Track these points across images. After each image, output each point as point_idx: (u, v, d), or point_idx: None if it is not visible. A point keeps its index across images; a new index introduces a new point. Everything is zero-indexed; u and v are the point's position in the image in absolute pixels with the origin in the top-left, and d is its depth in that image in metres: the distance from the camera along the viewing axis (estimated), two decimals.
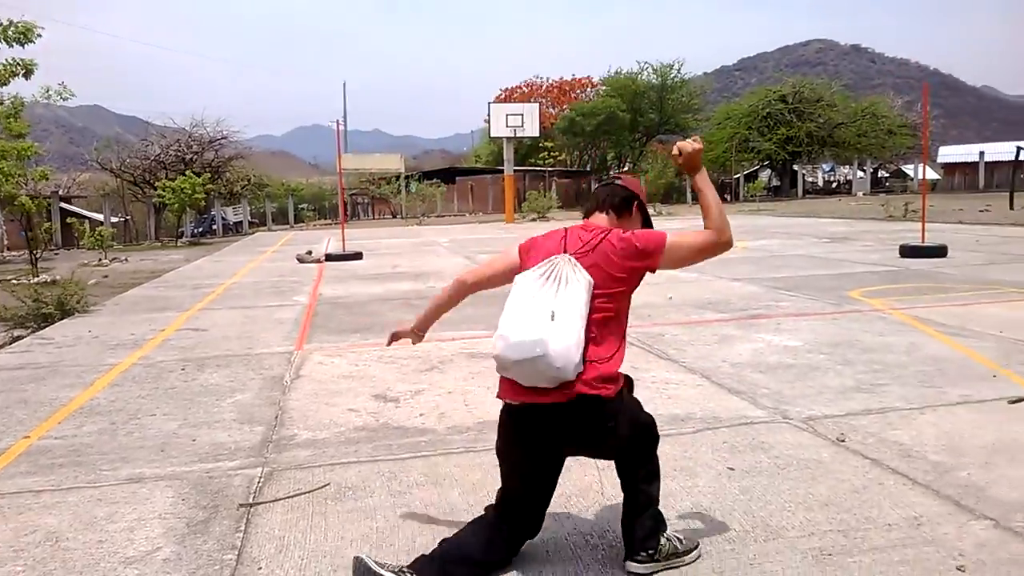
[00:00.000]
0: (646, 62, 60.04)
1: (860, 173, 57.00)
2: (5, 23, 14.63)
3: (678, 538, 2.98)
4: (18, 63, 14.84)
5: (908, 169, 59.00)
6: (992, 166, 51.63)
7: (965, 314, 7.88)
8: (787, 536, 3.17)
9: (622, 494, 3.03)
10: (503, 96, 62.63)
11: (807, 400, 5.10)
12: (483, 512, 3.05)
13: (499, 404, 3.00)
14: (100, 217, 33.61)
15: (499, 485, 3.06)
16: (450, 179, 51.66)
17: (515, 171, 38.59)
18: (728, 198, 53.69)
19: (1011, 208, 26.82)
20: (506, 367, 2.82)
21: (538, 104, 42.46)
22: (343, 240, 19.09)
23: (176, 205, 31.15)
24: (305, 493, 3.80)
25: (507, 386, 2.89)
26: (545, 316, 2.77)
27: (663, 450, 4.17)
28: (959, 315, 7.83)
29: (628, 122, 56.51)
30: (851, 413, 4.80)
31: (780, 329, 7.51)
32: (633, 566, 2.89)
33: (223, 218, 38.66)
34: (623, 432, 2.92)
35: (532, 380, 2.77)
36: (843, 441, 4.28)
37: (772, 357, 6.36)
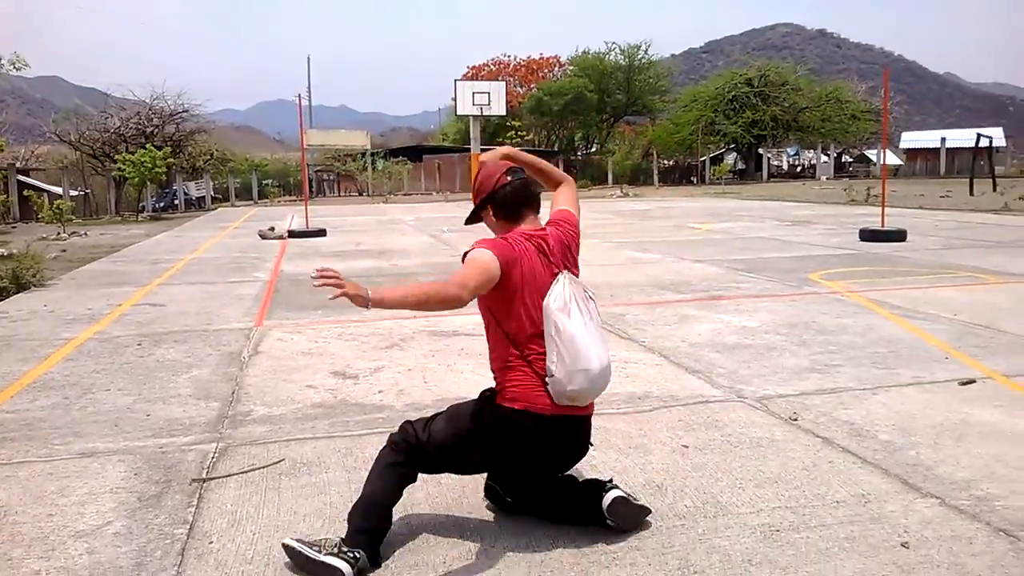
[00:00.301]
0: (614, 43, 60.17)
1: (824, 157, 57.57)
2: None
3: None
4: None
5: (871, 154, 59.74)
6: (953, 152, 52.44)
7: (921, 297, 8.02)
8: (737, 512, 3.22)
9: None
10: (471, 74, 62.37)
11: (762, 380, 5.17)
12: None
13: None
14: (59, 190, 32.97)
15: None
16: (417, 157, 51.38)
17: (482, 150, 38.45)
18: (694, 180, 53.99)
19: (971, 194, 27.27)
20: (586, 396, 2.94)
21: (504, 82, 42.33)
22: (307, 217, 18.92)
23: (136, 179, 30.63)
24: (259, 468, 3.78)
25: (545, 398, 2.90)
26: (605, 341, 3.04)
27: (619, 427, 4.23)
28: (915, 298, 7.96)
29: (595, 103, 56.50)
30: (805, 393, 4.87)
31: (739, 310, 7.58)
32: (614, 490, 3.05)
33: (185, 193, 38.12)
34: None
35: (592, 399, 3.01)
36: (795, 420, 4.35)
37: (730, 337, 6.43)
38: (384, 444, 3.10)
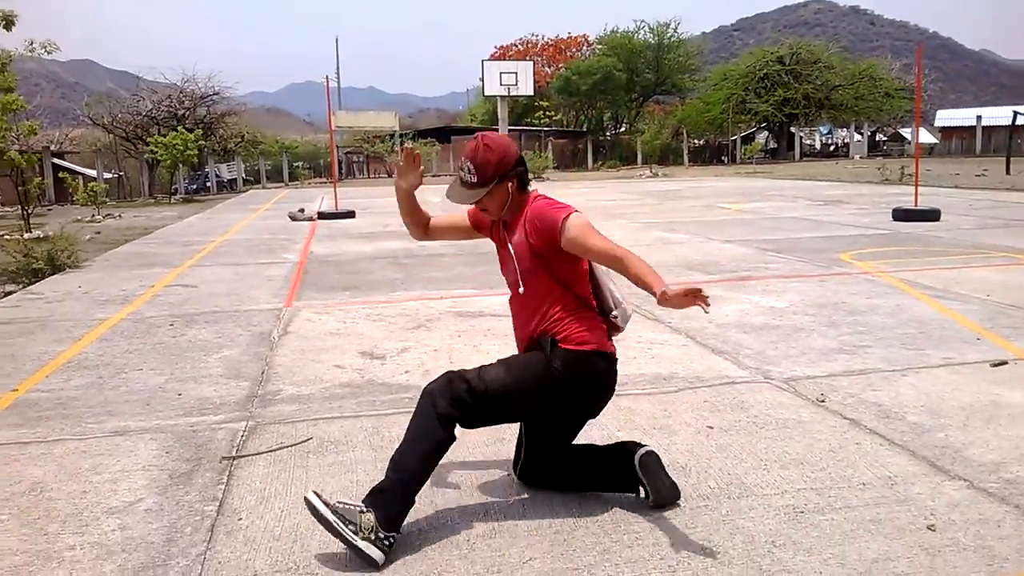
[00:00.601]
0: (643, 21, 59.65)
1: (857, 136, 56.84)
2: None
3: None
4: None
5: (906, 133, 58.84)
6: (989, 130, 51.50)
7: (953, 277, 7.91)
8: (761, 493, 3.21)
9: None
10: (498, 54, 62.16)
11: (789, 361, 5.14)
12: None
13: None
14: (93, 173, 33.41)
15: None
16: (445, 138, 51.35)
17: (510, 130, 38.43)
18: (725, 160, 53.53)
19: (1007, 173, 26.80)
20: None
21: (532, 62, 42.18)
22: (336, 198, 19.02)
23: (168, 161, 30.96)
24: (288, 447, 3.84)
25: (606, 337, 3.15)
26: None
27: (644, 408, 4.24)
28: (947, 278, 7.86)
29: (624, 82, 56.17)
30: (832, 374, 4.83)
31: (767, 291, 7.53)
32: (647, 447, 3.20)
33: (217, 175, 38.47)
34: None
35: None
36: (823, 401, 4.32)
37: (758, 318, 6.39)
38: (425, 401, 2.91)
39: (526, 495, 3.24)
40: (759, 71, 54.37)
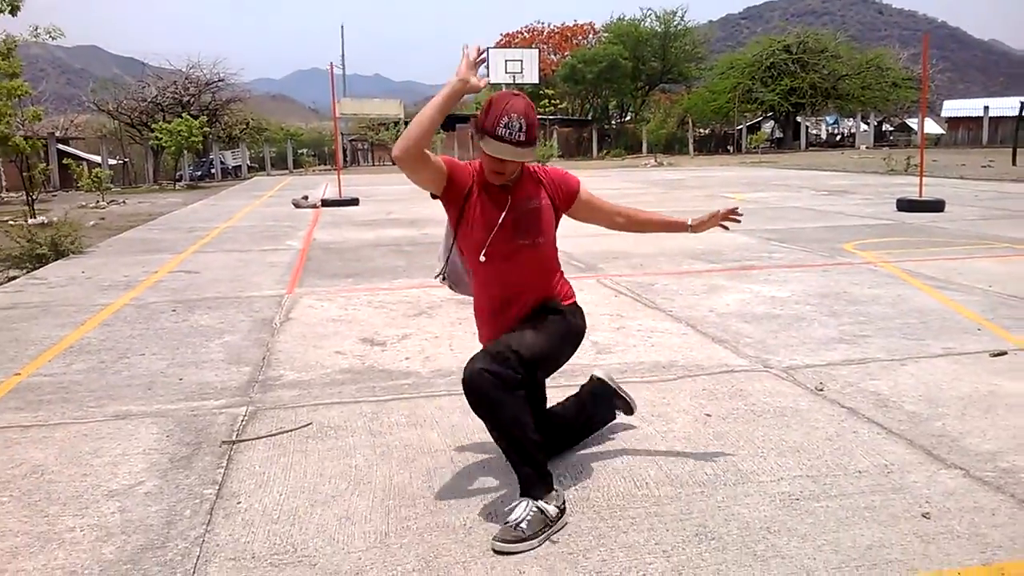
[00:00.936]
0: (649, 9, 59.40)
1: (864, 126, 56.60)
2: None
3: None
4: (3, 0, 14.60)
5: (912, 123, 58.54)
6: (996, 121, 51.18)
7: (956, 268, 7.90)
8: (757, 480, 3.23)
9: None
10: (504, 41, 62.00)
11: (789, 350, 5.14)
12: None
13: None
14: (98, 159, 33.43)
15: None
16: (450, 126, 51.23)
17: None
18: (730, 150, 53.40)
19: (1014, 164, 26.68)
20: None
21: (537, 50, 42.06)
22: (339, 186, 19.03)
23: (173, 148, 30.98)
24: (287, 432, 3.86)
25: None
26: None
27: (643, 395, 4.25)
28: (950, 269, 7.85)
29: (630, 70, 55.93)
30: (832, 363, 4.84)
31: (770, 280, 7.53)
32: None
33: (222, 162, 38.49)
34: None
35: None
36: (821, 390, 4.33)
37: (759, 307, 6.39)
38: (486, 378, 2.87)
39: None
40: (766, 60, 54.11)
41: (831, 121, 62.69)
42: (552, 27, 65.86)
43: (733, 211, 3.40)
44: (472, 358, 2.96)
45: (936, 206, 13.17)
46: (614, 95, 59.55)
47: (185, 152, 32.61)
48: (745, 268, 8.23)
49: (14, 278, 8.82)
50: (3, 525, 2.99)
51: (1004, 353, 4.95)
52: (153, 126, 34.11)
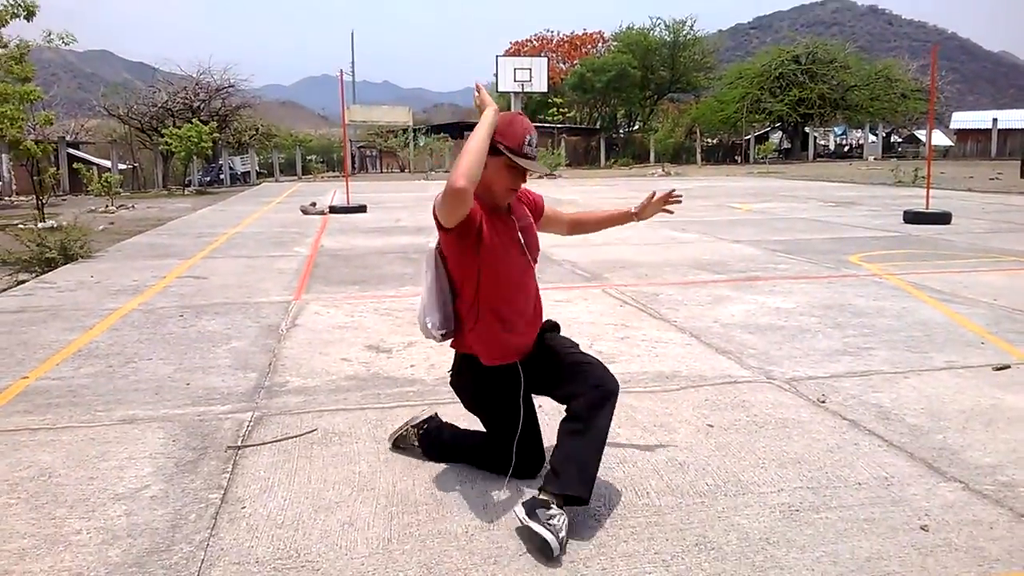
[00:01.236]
0: (658, 18, 59.45)
1: (872, 137, 56.58)
2: None
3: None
4: (19, 4, 14.69)
5: (921, 134, 58.53)
6: (1006, 133, 51.16)
7: (961, 281, 7.91)
8: (757, 491, 3.25)
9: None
10: (513, 50, 62.17)
11: (792, 361, 5.16)
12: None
13: None
14: (108, 164, 33.62)
15: (483, 433, 3.45)
16: (458, 134, 51.35)
17: None
18: (738, 160, 53.40)
19: (1022, 176, 26.65)
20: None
21: (546, 58, 42.17)
22: (348, 193, 19.11)
23: (183, 153, 31.12)
24: (292, 437, 3.89)
25: None
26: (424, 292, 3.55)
27: (645, 405, 4.28)
28: (955, 282, 7.86)
29: (639, 79, 56.07)
30: (835, 375, 4.86)
31: (774, 291, 7.55)
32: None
33: (231, 168, 38.64)
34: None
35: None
36: (823, 402, 4.35)
37: (763, 319, 6.41)
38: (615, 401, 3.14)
39: (524, 490, 3.28)
40: (775, 70, 54.16)
41: (839, 132, 62.69)
42: (561, 36, 66.07)
43: (670, 194, 3.63)
44: (607, 370, 3.22)
45: (943, 218, 13.18)
46: (622, 104, 59.67)
47: (194, 157, 32.74)
48: (750, 279, 8.25)
49: (23, 282, 8.88)
50: (10, 527, 3.03)
51: (1007, 367, 4.97)
52: (163, 131, 34.26)
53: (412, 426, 3.58)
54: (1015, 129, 47.36)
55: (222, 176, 37.39)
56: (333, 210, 17.71)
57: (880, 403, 4.33)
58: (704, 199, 20.51)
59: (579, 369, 3.18)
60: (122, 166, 35.06)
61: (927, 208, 13.75)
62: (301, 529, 2.97)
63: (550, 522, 2.77)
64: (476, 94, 3.17)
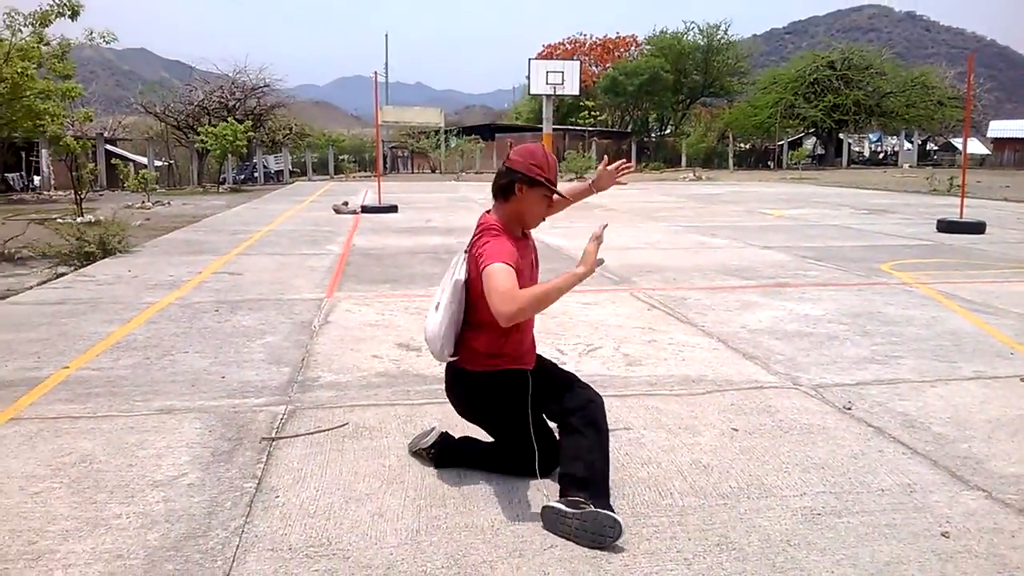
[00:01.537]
0: (692, 22, 59.27)
1: (907, 144, 55.97)
2: None
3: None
4: (65, 3, 14.97)
5: (957, 142, 57.75)
6: None
7: (993, 291, 7.86)
8: (780, 494, 3.29)
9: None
10: (546, 53, 62.17)
11: (820, 368, 5.18)
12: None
13: None
14: (144, 160, 34.10)
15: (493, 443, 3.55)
16: (489, 135, 51.53)
17: (555, 130, 38.46)
18: (771, 165, 53.04)
19: None
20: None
21: (578, 62, 42.05)
22: (379, 193, 19.27)
23: (218, 151, 31.51)
24: (325, 431, 3.99)
25: None
26: (432, 306, 3.32)
27: (671, 408, 4.33)
28: (986, 292, 7.81)
29: (672, 83, 55.87)
30: (862, 383, 4.87)
31: (803, 298, 7.55)
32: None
33: (264, 166, 39.01)
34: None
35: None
36: (849, 409, 4.37)
37: (791, 325, 6.43)
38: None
39: (549, 486, 3.35)
40: (809, 76, 53.77)
41: (874, 139, 62.07)
42: (594, 39, 65.99)
43: (619, 165, 3.65)
44: (589, 388, 3.34)
45: (977, 228, 13.06)
46: (654, 108, 59.47)
47: (229, 155, 33.12)
48: (780, 285, 8.25)
49: (63, 274, 9.09)
50: (54, 510, 3.15)
51: None
52: (199, 129, 34.72)
53: (423, 449, 3.60)
54: None
55: (256, 174, 37.78)
56: (365, 209, 17.87)
57: (906, 411, 4.34)
58: (735, 204, 20.44)
59: (570, 388, 3.31)
60: (158, 163, 35.53)
61: (961, 217, 13.63)
62: (332, 519, 3.06)
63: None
64: (593, 246, 3.05)
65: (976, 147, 58.59)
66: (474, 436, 3.64)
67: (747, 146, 57.64)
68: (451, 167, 44.85)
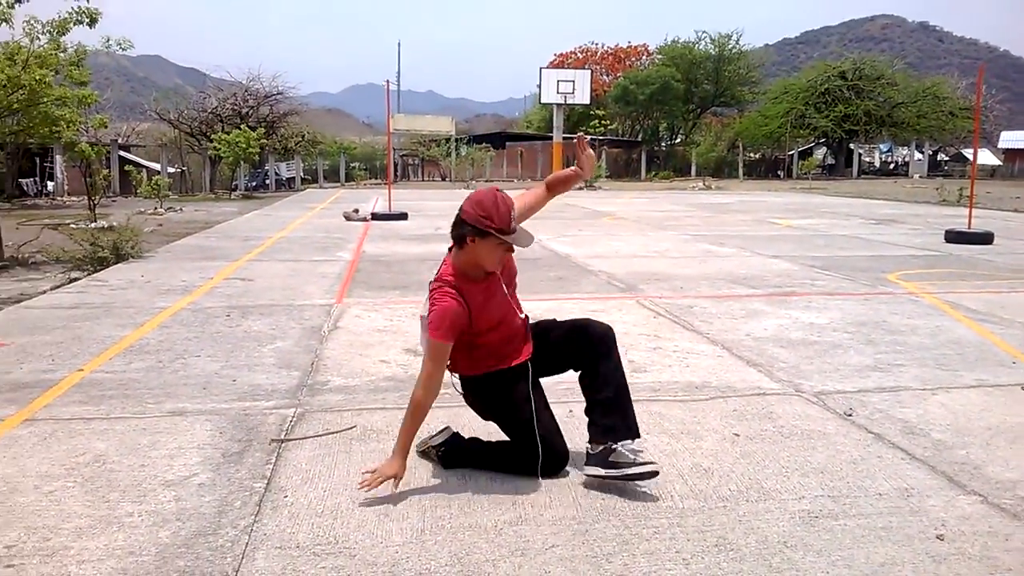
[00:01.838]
0: (704, 31, 59.37)
1: (918, 155, 55.89)
2: None
3: None
4: (83, 11, 15.12)
5: (968, 153, 57.57)
6: None
7: (998, 301, 7.89)
8: (779, 498, 3.35)
9: None
10: (557, 62, 62.37)
11: (822, 376, 5.24)
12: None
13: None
14: (157, 167, 34.39)
15: (502, 442, 3.71)
16: (500, 144, 51.75)
17: (565, 138, 38.59)
18: (780, 175, 53.02)
19: None
20: None
21: (589, 71, 42.22)
22: (390, 200, 19.39)
23: (231, 158, 31.75)
24: (333, 433, 4.08)
25: None
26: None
27: (674, 414, 4.39)
28: (992, 302, 7.84)
29: (682, 92, 55.97)
30: (863, 390, 4.92)
31: (809, 307, 7.60)
32: None
33: (276, 173, 39.29)
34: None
35: None
36: (850, 415, 4.43)
37: (796, 333, 6.48)
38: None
39: (552, 488, 3.42)
40: (820, 86, 53.77)
41: (885, 149, 61.97)
42: (606, 48, 66.13)
43: (579, 135, 3.80)
44: (595, 322, 3.66)
45: (985, 238, 13.08)
46: (665, 117, 59.59)
47: (242, 163, 33.39)
48: (786, 294, 8.30)
49: (76, 279, 9.22)
50: (68, 508, 3.23)
51: None
52: (212, 136, 34.98)
53: (432, 447, 3.70)
54: None
55: (268, 181, 38.03)
56: (375, 217, 18.00)
57: (906, 418, 4.39)
58: (744, 214, 20.48)
59: (573, 335, 3.60)
60: (171, 169, 35.84)
61: (969, 228, 13.64)
62: (340, 518, 3.14)
63: (634, 457, 3.34)
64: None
65: (987, 158, 58.43)
66: (482, 438, 3.73)
67: (757, 156, 57.65)
68: (462, 175, 45.01)
